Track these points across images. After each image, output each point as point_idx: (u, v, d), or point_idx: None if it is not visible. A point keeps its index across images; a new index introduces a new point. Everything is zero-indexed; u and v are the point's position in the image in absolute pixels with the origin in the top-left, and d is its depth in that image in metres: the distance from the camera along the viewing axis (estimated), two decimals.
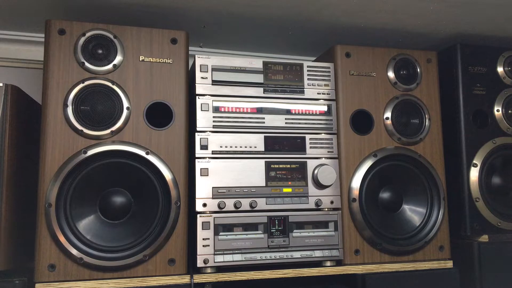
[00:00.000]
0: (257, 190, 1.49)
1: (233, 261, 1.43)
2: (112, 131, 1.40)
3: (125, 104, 1.42)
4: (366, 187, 1.60)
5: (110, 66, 1.43)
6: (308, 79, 1.60)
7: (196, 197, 1.44)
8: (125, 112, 1.42)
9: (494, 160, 1.78)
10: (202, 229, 1.42)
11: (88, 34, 1.42)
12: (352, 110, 1.64)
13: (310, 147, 1.57)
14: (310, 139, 1.57)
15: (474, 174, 1.73)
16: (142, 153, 1.40)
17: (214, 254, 1.42)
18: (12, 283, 1.32)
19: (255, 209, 1.48)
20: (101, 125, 1.40)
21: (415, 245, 1.62)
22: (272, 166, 1.52)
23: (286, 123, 1.56)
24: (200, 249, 1.41)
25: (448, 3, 1.65)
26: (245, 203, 1.48)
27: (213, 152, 1.48)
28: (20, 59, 1.93)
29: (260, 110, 1.54)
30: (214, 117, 1.49)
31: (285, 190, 1.52)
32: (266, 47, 2.07)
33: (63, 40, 1.40)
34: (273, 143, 1.54)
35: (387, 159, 1.64)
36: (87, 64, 1.41)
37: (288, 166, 1.54)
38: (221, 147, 1.49)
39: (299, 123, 1.57)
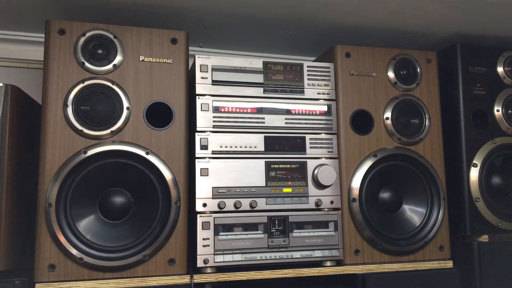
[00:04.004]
0: (257, 190, 1.49)
1: (233, 261, 1.43)
2: (112, 131, 1.40)
3: (125, 104, 1.42)
4: (366, 187, 1.60)
5: (110, 66, 1.43)
6: (308, 79, 1.60)
7: (196, 197, 1.44)
8: (125, 112, 1.42)
9: (494, 160, 1.78)
10: (202, 229, 1.42)
11: (88, 34, 1.42)
12: (352, 110, 1.64)
13: (310, 147, 1.57)
14: (310, 139, 1.57)
15: (474, 174, 1.73)
16: (142, 153, 1.40)
17: (214, 254, 1.42)
18: (12, 283, 1.32)
19: (255, 209, 1.48)
20: (101, 125, 1.40)
21: (415, 245, 1.62)
22: (272, 166, 1.52)
23: (286, 123, 1.56)
24: (200, 249, 1.41)
25: (448, 3, 1.65)
26: (245, 203, 1.48)
27: (213, 152, 1.48)
28: (20, 59, 1.93)
29: (260, 110, 1.54)
30: (214, 117, 1.49)
31: (285, 190, 1.52)
32: (266, 47, 2.07)
33: (63, 40, 1.40)
34: (273, 143, 1.54)
35: (387, 159, 1.64)
36: (87, 64, 1.41)
37: (288, 166, 1.54)
38: (221, 147, 1.49)
39: (299, 123, 1.57)
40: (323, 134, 1.60)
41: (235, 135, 1.51)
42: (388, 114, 1.67)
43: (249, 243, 1.45)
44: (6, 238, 1.35)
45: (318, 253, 1.51)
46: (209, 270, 1.42)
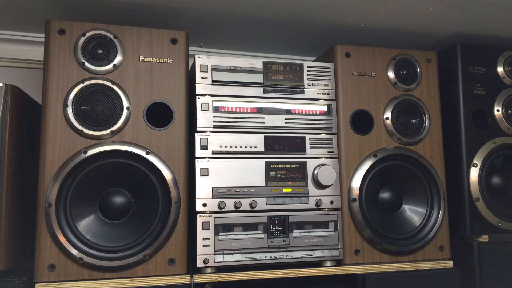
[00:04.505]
0: (257, 190, 1.49)
1: (233, 261, 1.43)
2: (112, 131, 1.40)
3: (125, 104, 1.42)
4: (366, 187, 1.60)
5: (110, 66, 1.43)
6: (308, 79, 1.60)
7: (196, 197, 1.44)
8: (125, 112, 1.42)
9: (494, 160, 1.78)
10: (202, 229, 1.42)
11: (88, 34, 1.42)
12: (352, 110, 1.64)
13: (310, 147, 1.57)
14: (310, 139, 1.57)
15: (474, 174, 1.73)
16: (142, 153, 1.40)
17: (214, 254, 1.42)
18: (12, 283, 1.32)
19: (255, 209, 1.48)
20: (101, 125, 1.40)
21: (415, 245, 1.62)
22: (272, 166, 1.52)
23: (286, 123, 1.56)
24: (200, 249, 1.41)
25: (448, 3, 1.65)
26: (245, 203, 1.48)
27: (213, 152, 1.48)
28: (20, 59, 1.93)
29: (260, 110, 1.54)
30: (214, 117, 1.49)
31: (285, 190, 1.52)
32: (266, 47, 2.07)
33: (63, 40, 1.40)
34: (273, 143, 1.54)
35: (387, 159, 1.64)
36: (87, 64, 1.41)
37: (288, 166, 1.54)
38: (221, 147, 1.49)
39: (299, 123, 1.57)
40: (323, 134, 1.60)
41: (235, 135, 1.51)
42: (388, 114, 1.67)
43: (249, 243, 1.45)
44: (6, 238, 1.35)
45: (318, 253, 1.51)
46: (209, 270, 1.42)
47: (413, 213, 1.68)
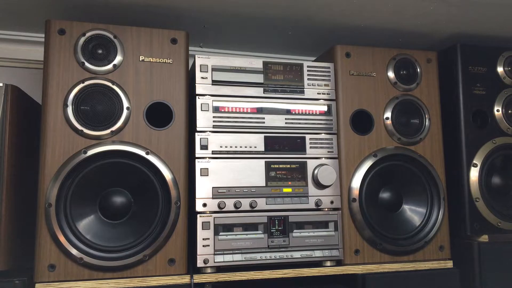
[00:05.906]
0: (257, 190, 1.49)
1: (233, 261, 1.43)
2: (112, 131, 1.40)
3: (125, 104, 1.42)
4: (366, 187, 1.60)
5: (110, 66, 1.43)
6: (308, 79, 1.60)
7: (196, 197, 1.44)
8: (125, 112, 1.42)
9: (494, 160, 1.78)
10: (202, 229, 1.42)
11: (88, 34, 1.42)
12: (352, 110, 1.64)
13: (310, 147, 1.57)
14: (310, 139, 1.57)
15: (474, 174, 1.73)
16: (142, 153, 1.40)
17: (214, 254, 1.42)
18: (12, 283, 1.32)
19: (255, 209, 1.48)
20: (101, 125, 1.40)
21: (415, 245, 1.62)
22: (272, 166, 1.52)
23: (286, 123, 1.56)
24: (200, 249, 1.41)
25: (448, 3, 1.65)
26: (245, 203, 1.48)
27: (213, 152, 1.48)
28: (20, 59, 1.93)
29: (260, 110, 1.54)
30: (214, 117, 1.49)
31: (285, 190, 1.52)
32: (266, 47, 2.07)
33: (63, 40, 1.40)
34: (273, 143, 1.54)
35: (387, 159, 1.64)
36: (87, 64, 1.41)
37: (288, 166, 1.54)
38: (221, 147, 1.49)
39: (299, 123, 1.57)
40: (323, 134, 1.60)
41: (235, 135, 1.51)
42: (388, 114, 1.67)
43: (249, 243, 1.45)
44: (6, 238, 1.35)
45: (318, 253, 1.51)
46: (209, 270, 1.42)
47: (413, 213, 1.68)
